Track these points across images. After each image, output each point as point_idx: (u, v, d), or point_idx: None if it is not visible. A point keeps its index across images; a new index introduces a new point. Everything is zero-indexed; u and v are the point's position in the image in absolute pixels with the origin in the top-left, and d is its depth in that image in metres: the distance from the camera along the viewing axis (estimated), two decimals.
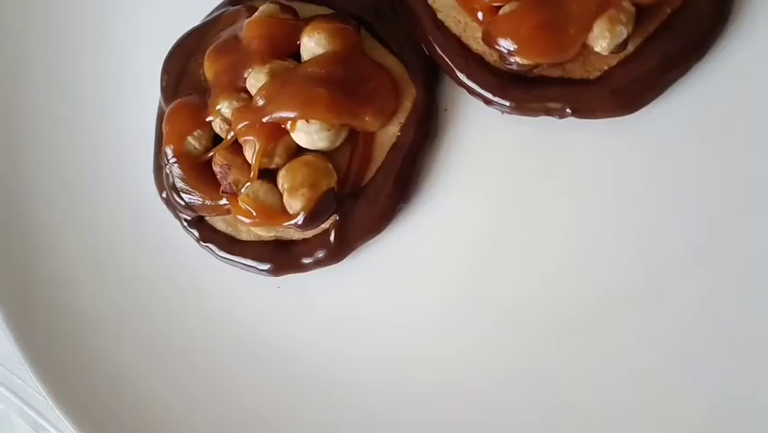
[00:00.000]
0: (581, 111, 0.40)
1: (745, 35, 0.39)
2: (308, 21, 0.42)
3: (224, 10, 0.46)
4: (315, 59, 0.41)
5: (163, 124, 0.44)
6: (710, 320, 0.39)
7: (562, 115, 0.40)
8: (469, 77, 0.41)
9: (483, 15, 0.40)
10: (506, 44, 0.38)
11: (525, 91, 0.40)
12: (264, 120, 0.41)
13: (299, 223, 0.41)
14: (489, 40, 0.39)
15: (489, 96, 0.41)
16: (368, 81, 0.41)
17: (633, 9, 0.37)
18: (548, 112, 0.40)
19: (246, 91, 0.42)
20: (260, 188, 0.41)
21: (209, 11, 0.47)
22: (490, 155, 0.42)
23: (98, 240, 0.49)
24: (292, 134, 0.41)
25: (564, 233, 0.41)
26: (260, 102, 0.41)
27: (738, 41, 0.39)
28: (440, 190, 0.43)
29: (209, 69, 0.43)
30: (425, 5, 0.42)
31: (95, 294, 0.48)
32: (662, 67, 0.39)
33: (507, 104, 0.41)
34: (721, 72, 0.39)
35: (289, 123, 0.41)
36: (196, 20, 0.47)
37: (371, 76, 0.42)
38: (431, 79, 0.43)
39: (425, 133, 0.42)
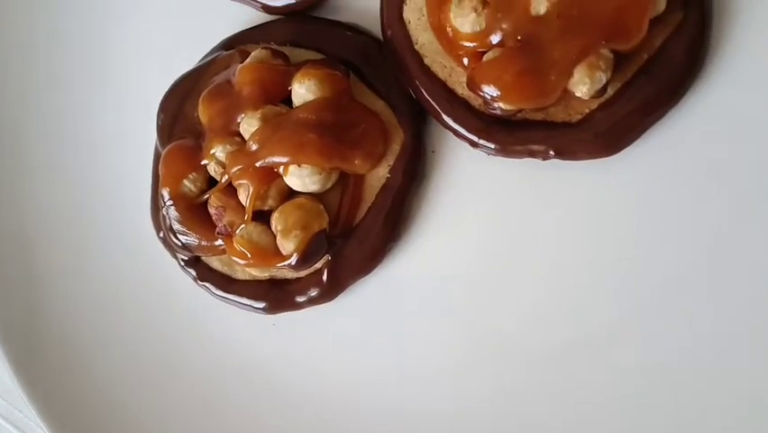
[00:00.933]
0: (564, 153, 0.41)
1: (718, 80, 0.40)
2: (299, 66, 0.43)
3: (217, 54, 0.47)
4: (306, 105, 0.42)
5: (159, 167, 0.45)
6: (694, 351, 0.40)
7: (545, 157, 0.41)
8: (454, 120, 0.42)
9: (468, 61, 0.41)
10: (489, 91, 0.39)
11: (509, 134, 0.41)
12: (257, 165, 0.42)
13: (292, 264, 0.42)
14: (472, 86, 0.40)
15: (475, 139, 0.42)
16: (357, 125, 0.42)
17: (611, 56, 0.38)
18: (532, 154, 0.41)
19: (240, 135, 0.43)
20: (254, 229, 0.42)
21: (204, 53, 0.48)
22: (477, 195, 0.43)
23: (98, 277, 0.49)
24: (284, 178, 0.42)
25: (551, 269, 0.42)
26: (253, 147, 0.42)
27: (713, 85, 0.40)
28: (429, 229, 0.44)
29: (203, 112, 0.44)
30: (412, 51, 0.43)
31: (94, 329, 0.49)
32: (641, 110, 0.40)
33: (492, 146, 0.42)
34: (697, 115, 0.40)
35: (282, 167, 0.42)
36: (191, 62, 0.48)
37: (360, 120, 0.43)
38: (418, 122, 0.44)
39: (413, 174, 0.43)
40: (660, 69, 0.40)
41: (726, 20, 0.41)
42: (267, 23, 0.47)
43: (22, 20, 0.51)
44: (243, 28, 0.48)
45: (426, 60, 0.43)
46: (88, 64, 0.51)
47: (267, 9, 0.47)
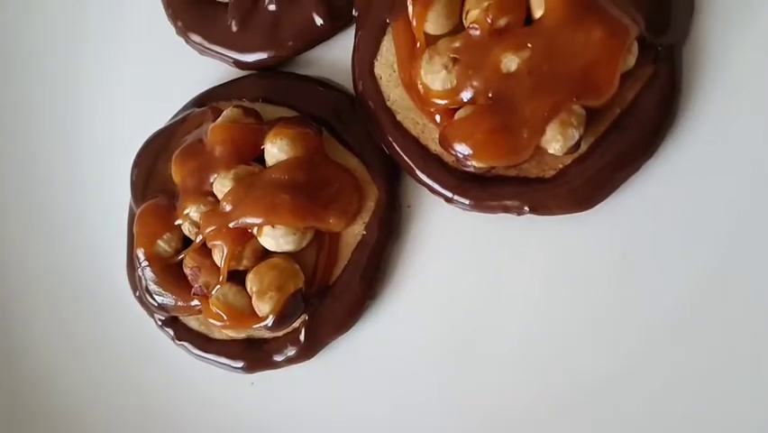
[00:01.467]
0: (539, 209, 0.40)
1: (691, 132, 0.40)
2: (271, 124, 0.43)
3: (190, 111, 0.46)
4: (279, 165, 0.42)
5: (134, 227, 0.44)
6: (677, 402, 0.40)
7: (520, 213, 0.41)
8: (428, 177, 0.42)
9: (440, 118, 0.40)
10: (461, 149, 0.39)
11: (483, 190, 0.41)
12: (230, 225, 0.41)
13: (269, 325, 0.41)
14: (445, 144, 0.39)
15: (449, 195, 0.41)
16: (331, 184, 0.42)
17: (583, 112, 0.38)
18: (506, 210, 0.41)
19: (213, 195, 0.43)
20: (230, 291, 0.42)
21: (177, 108, 0.48)
22: (454, 250, 0.43)
23: (75, 336, 0.49)
24: (259, 239, 0.41)
25: (529, 324, 0.42)
26: (227, 208, 0.41)
27: (686, 137, 0.40)
28: (406, 285, 0.43)
29: (176, 172, 0.44)
30: (384, 107, 0.43)
31: (73, 387, 0.48)
32: (615, 165, 0.39)
33: (466, 202, 0.41)
34: (671, 167, 0.40)
35: (255, 228, 0.41)
36: (164, 117, 0.47)
37: (334, 178, 0.42)
38: (393, 178, 0.43)
39: (388, 231, 0.43)
40: (632, 123, 0.39)
41: (696, 72, 0.40)
42: (239, 78, 0.47)
43: None
44: (216, 83, 0.48)
45: (399, 117, 0.42)
46: (61, 122, 0.50)
47: (238, 64, 0.47)
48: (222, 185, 0.42)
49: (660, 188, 0.40)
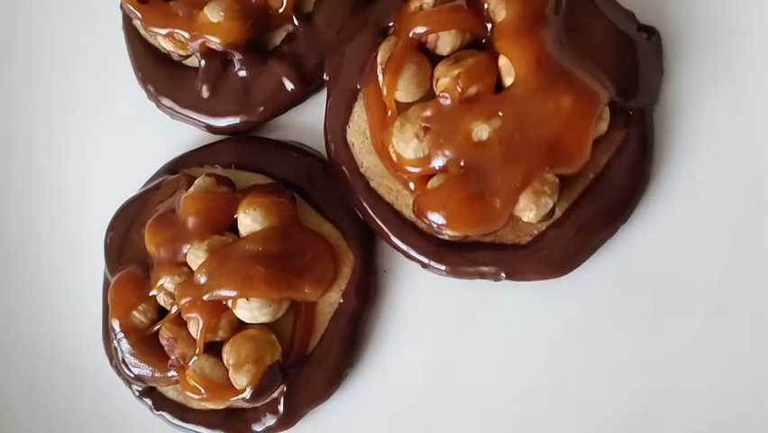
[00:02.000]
0: (515, 274, 0.40)
1: (665, 194, 0.40)
2: (244, 192, 0.42)
3: (163, 178, 0.46)
4: (252, 237, 0.41)
5: (108, 297, 0.44)
6: None
7: (496, 279, 0.40)
8: (403, 243, 0.41)
9: (413, 185, 0.40)
10: (435, 218, 0.38)
11: (459, 256, 0.40)
12: (205, 298, 0.41)
13: (246, 398, 0.41)
14: (419, 214, 0.39)
15: (425, 261, 0.41)
16: (305, 253, 0.41)
17: (556, 180, 0.37)
18: (482, 275, 0.40)
19: (187, 265, 0.42)
20: (206, 363, 0.41)
21: (150, 172, 0.47)
22: (432, 315, 0.43)
23: (52, 406, 0.48)
24: (234, 310, 0.41)
25: (508, 389, 0.41)
26: (201, 280, 0.41)
27: (660, 199, 0.40)
28: (385, 351, 0.43)
29: (149, 242, 0.43)
30: (358, 174, 0.42)
31: None
32: (591, 230, 0.39)
33: (442, 268, 0.41)
34: (646, 230, 0.40)
35: (230, 300, 0.41)
36: (137, 182, 0.47)
37: (308, 247, 0.42)
38: (368, 244, 0.43)
39: (365, 297, 0.42)
40: (607, 188, 0.39)
41: (668, 133, 0.40)
42: (211, 144, 0.46)
43: None
44: (188, 147, 0.47)
45: (372, 183, 0.42)
46: (32, 189, 0.50)
47: (210, 129, 0.46)
48: (195, 256, 0.41)
49: (636, 250, 0.40)
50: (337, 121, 0.43)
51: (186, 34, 0.43)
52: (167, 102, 0.47)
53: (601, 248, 0.40)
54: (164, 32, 0.44)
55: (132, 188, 0.47)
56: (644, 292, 0.40)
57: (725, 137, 0.40)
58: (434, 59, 0.39)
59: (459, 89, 0.38)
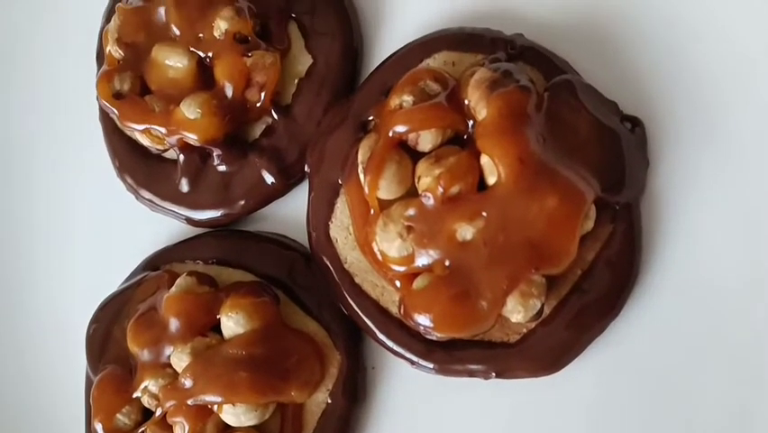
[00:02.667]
0: (505, 373, 0.39)
1: (654, 287, 0.40)
2: (227, 291, 0.41)
3: (145, 275, 0.45)
4: (236, 340, 0.40)
5: (91, 399, 0.43)
6: None
7: (486, 377, 0.39)
8: (390, 340, 0.40)
9: (399, 283, 0.39)
10: (422, 321, 0.37)
11: (447, 354, 0.39)
12: (190, 403, 0.40)
13: None
14: (405, 315, 0.38)
15: (413, 359, 0.40)
16: (290, 355, 0.40)
17: (543, 280, 0.37)
18: (472, 374, 0.39)
19: (171, 366, 0.41)
20: None
21: (130, 265, 0.46)
22: (421, 412, 0.42)
23: None
24: (220, 415, 0.40)
25: None
26: (186, 384, 0.40)
27: (649, 293, 0.39)
28: None
29: (132, 343, 0.42)
30: (342, 270, 0.41)
31: None
32: (580, 328, 0.38)
33: (431, 366, 0.40)
34: (637, 324, 0.39)
35: (216, 405, 0.40)
36: (117, 275, 0.46)
37: (294, 348, 0.40)
38: (354, 341, 0.42)
39: (353, 397, 0.41)
40: (595, 284, 0.38)
41: (655, 225, 0.40)
42: (192, 238, 0.45)
43: None
44: (170, 238, 0.46)
45: (357, 279, 0.41)
46: (8, 286, 0.49)
47: (190, 222, 0.45)
48: (179, 359, 0.40)
49: (626, 346, 0.39)
50: (320, 216, 0.42)
51: (162, 130, 0.43)
52: (146, 194, 0.46)
53: (591, 344, 0.39)
54: (140, 127, 0.43)
55: (112, 283, 0.46)
56: (635, 388, 0.39)
57: (713, 226, 0.40)
58: (415, 154, 0.39)
59: (441, 189, 0.37)
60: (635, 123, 0.40)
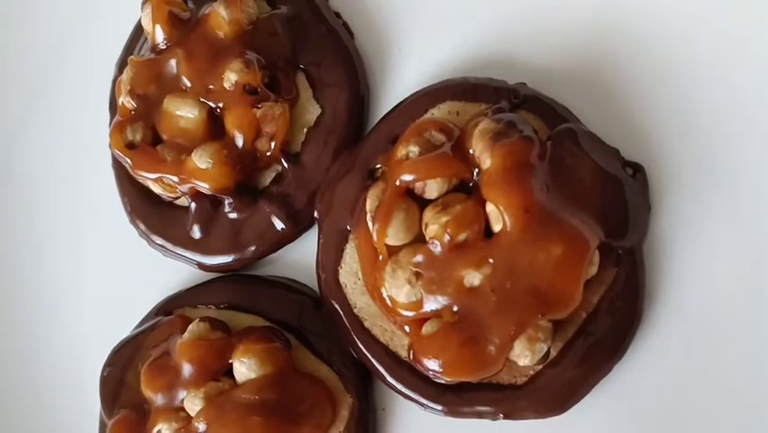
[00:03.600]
0: (513, 414, 0.40)
1: (659, 327, 0.40)
2: (239, 336, 0.42)
3: (158, 320, 0.45)
4: (249, 385, 0.41)
5: None
6: None
7: (494, 418, 0.40)
8: (400, 384, 0.41)
9: (408, 328, 0.40)
10: (431, 365, 0.38)
11: (456, 397, 0.40)
12: None
13: None
14: (415, 360, 0.39)
15: (423, 401, 0.41)
16: (303, 399, 0.41)
17: (550, 325, 0.38)
18: (481, 415, 0.40)
19: (184, 410, 0.42)
20: None
21: (142, 309, 0.47)
22: None
23: None
24: None
25: None
26: (200, 428, 0.40)
27: (653, 335, 0.40)
28: None
29: (146, 387, 0.43)
30: (352, 315, 0.42)
31: None
32: (586, 369, 0.39)
33: (440, 409, 0.41)
34: (642, 364, 0.40)
35: None
36: (130, 320, 0.47)
37: (306, 393, 0.41)
38: (365, 383, 0.43)
39: None
40: (600, 326, 0.39)
41: (658, 267, 0.41)
42: (204, 284, 0.46)
43: None
44: (180, 285, 0.47)
45: (367, 324, 0.42)
46: (22, 330, 0.49)
47: (202, 267, 0.46)
48: (193, 403, 0.41)
49: (631, 386, 0.40)
50: (329, 262, 0.43)
51: (175, 178, 0.44)
52: (158, 240, 0.47)
53: (598, 385, 0.39)
54: (153, 176, 0.44)
55: (127, 322, 0.47)
56: (642, 428, 0.40)
57: (715, 267, 0.40)
58: (422, 201, 0.40)
59: (448, 237, 0.38)
60: (637, 168, 0.41)
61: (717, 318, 0.40)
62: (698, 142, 0.41)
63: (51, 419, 0.49)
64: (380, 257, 0.40)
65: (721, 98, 0.42)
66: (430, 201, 0.39)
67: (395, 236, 0.39)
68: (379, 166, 0.42)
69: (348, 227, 0.42)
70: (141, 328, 0.46)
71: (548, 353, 0.38)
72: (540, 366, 0.39)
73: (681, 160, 0.41)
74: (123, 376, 0.45)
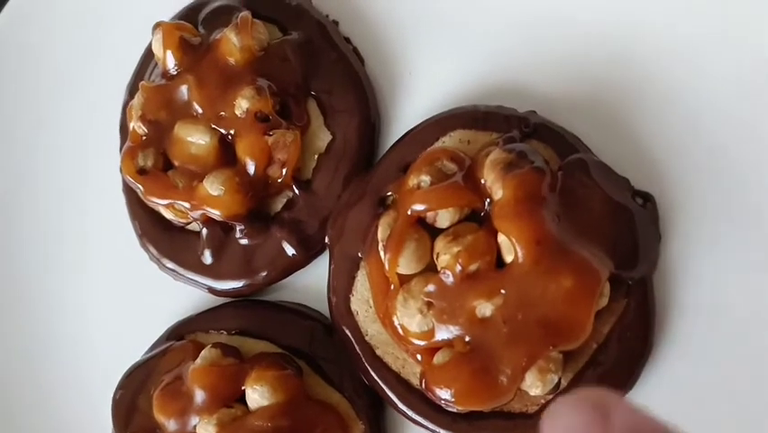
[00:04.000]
0: None
1: (668, 360, 0.40)
2: (252, 363, 0.42)
3: (169, 345, 0.46)
4: (261, 412, 0.41)
5: None
6: None
7: None
8: (412, 411, 0.41)
9: (420, 356, 0.40)
10: (443, 395, 0.38)
11: (468, 425, 0.40)
12: None
13: None
14: (427, 389, 0.39)
15: (434, 428, 0.41)
16: (315, 426, 0.41)
17: (560, 356, 0.38)
18: None
19: None
20: None
21: (153, 333, 0.47)
22: None
23: None
24: None
25: None
26: None
27: (663, 365, 0.40)
28: None
29: (158, 413, 0.43)
30: (363, 342, 0.42)
31: None
32: None
33: None
34: (652, 397, 0.40)
35: None
36: (140, 344, 0.47)
37: (318, 420, 0.41)
38: (376, 410, 0.43)
39: None
40: (610, 357, 0.39)
41: (668, 297, 0.41)
42: (215, 309, 0.46)
43: None
44: (192, 308, 0.47)
45: (378, 352, 0.42)
46: (30, 357, 0.50)
47: (213, 291, 0.47)
48: (206, 430, 0.41)
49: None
50: (340, 290, 0.43)
51: (186, 204, 0.44)
52: (169, 264, 0.47)
53: None
54: (164, 202, 0.45)
55: (138, 345, 0.47)
56: None
57: (726, 297, 0.40)
58: (433, 230, 0.40)
59: (459, 267, 0.38)
60: (647, 198, 0.41)
61: (729, 348, 0.40)
62: (708, 170, 0.42)
63: None
64: (392, 286, 0.40)
65: (731, 126, 0.42)
66: (441, 230, 0.40)
67: (406, 266, 0.39)
68: (390, 194, 0.42)
69: (359, 255, 0.42)
70: (152, 353, 0.46)
71: (559, 383, 0.38)
72: (551, 396, 0.39)
73: (691, 188, 0.41)
74: (135, 400, 0.45)
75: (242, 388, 0.42)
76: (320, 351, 0.44)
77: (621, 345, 0.39)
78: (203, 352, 0.43)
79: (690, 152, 0.42)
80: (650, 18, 0.43)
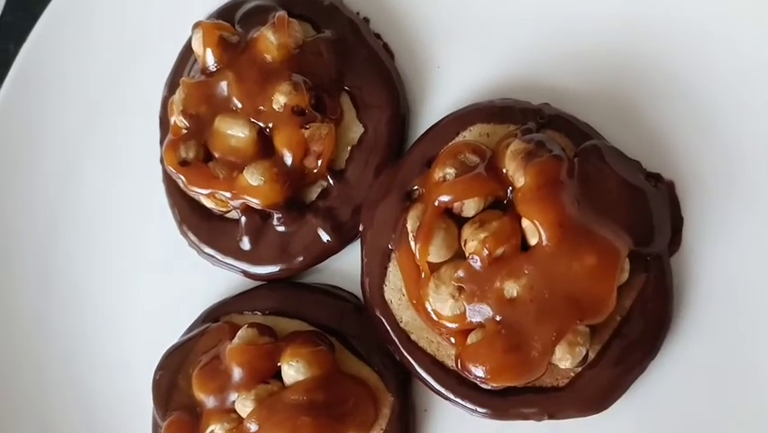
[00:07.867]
0: (556, 415, 0.42)
1: (688, 329, 0.43)
2: (286, 341, 0.44)
3: (206, 326, 0.48)
4: (297, 387, 0.43)
5: None
6: None
7: (539, 419, 0.42)
8: (449, 391, 0.43)
9: (454, 339, 0.42)
10: (478, 373, 0.40)
11: (502, 400, 0.42)
12: None
13: None
14: (462, 369, 0.41)
15: (470, 406, 0.43)
16: (347, 399, 0.43)
17: (587, 329, 0.40)
18: (525, 417, 0.42)
19: (235, 411, 0.44)
20: None
21: (191, 314, 0.50)
22: None
23: None
24: None
25: None
26: (252, 428, 0.42)
27: (684, 334, 0.43)
28: None
29: (198, 390, 0.45)
30: (398, 329, 0.44)
31: None
32: (623, 369, 0.42)
33: (485, 411, 0.43)
34: (676, 362, 0.43)
35: None
36: (178, 325, 0.49)
37: (350, 393, 0.43)
38: (406, 384, 0.45)
39: None
40: (633, 329, 0.42)
41: (686, 270, 0.43)
42: (250, 291, 0.49)
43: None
44: (226, 291, 0.50)
45: (413, 336, 0.44)
46: (75, 336, 0.52)
47: (249, 276, 0.49)
48: (243, 405, 0.43)
49: (666, 384, 0.43)
50: (374, 280, 0.45)
51: (227, 194, 0.46)
52: (209, 250, 0.49)
53: (634, 383, 0.42)
54: (206, 192, 0.47)
55: (174, 328, 0.49)
56: (678, 422, 0.43)
57: (740, 268, 0.43)
58: (459, 219, 0.42)
59: (486, 252, 0.40)
60: (658, 179, 0.43)
61: (745, 318, 0.43)
62: (718, 155, 0.44)
63: (105, 419, 0.51)
64: (423, 274, 0.42)
65: (740, 110, 0.44)
66: (467, 219, 0.42)
67: (436, 254, 0.41)
68: (416, 188, 0.44)
69: (390, 246, 0.44)
70: (190, 335, 0.48)
71: (587, 355, 0.40)
72: (579, 368, 0.41)
73: (703, 167, 0.44)
74: (175, 380, 0.47)
75: (278, 364, 0.44)
76: (350, 328, 0.46)
77: (643, 316, 0.41)
78: (240, 331, 0.45)
79: (700, 137, 0.44)
80: (658, 10, 0.46)
